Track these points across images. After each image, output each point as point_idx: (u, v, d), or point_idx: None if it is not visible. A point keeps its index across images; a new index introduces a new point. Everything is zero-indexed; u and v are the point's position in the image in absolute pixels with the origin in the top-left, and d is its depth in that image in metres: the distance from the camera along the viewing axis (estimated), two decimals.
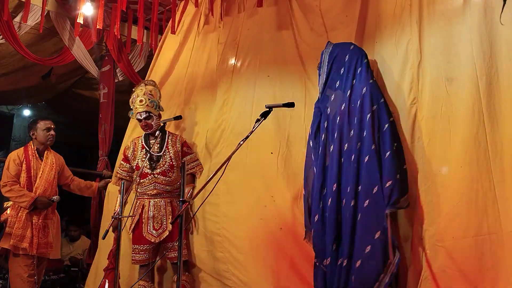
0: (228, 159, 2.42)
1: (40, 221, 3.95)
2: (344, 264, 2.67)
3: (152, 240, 3.59)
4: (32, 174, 4.00)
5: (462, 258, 2.40)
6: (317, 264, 2.87)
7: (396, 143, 2.72)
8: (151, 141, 3.79)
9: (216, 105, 3.97)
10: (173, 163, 3.73)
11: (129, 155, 3.87)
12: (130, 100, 3.84)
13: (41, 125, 4.11)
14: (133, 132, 4.70)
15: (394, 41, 2.96)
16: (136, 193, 3.80)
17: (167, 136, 3.82)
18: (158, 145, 3.75)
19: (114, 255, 3.61)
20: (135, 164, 3.81)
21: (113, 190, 4.62)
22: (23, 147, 4.13)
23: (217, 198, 3.60)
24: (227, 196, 3.59)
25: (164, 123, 3.68)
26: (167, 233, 3.60)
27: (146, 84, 3.88)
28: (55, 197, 4.05)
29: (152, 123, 3.73)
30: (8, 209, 3.94)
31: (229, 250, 3.50)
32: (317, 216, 2.87)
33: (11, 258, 3.91)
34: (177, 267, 3.53)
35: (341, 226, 2.75)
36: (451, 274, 2.43)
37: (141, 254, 3.62)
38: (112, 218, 3.61)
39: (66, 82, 6.57)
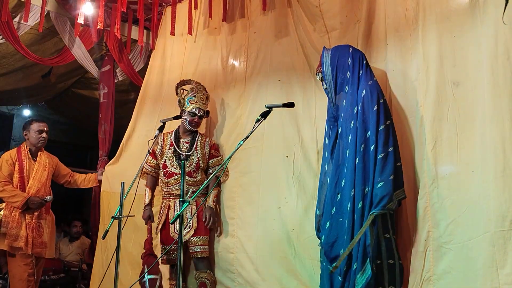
0: (228, 159, 2.50)
1: (33, 220, 3.96)
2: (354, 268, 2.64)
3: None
4: (25, 174, 4.01)
5: (466, 259, 2.42)
6: (324, 264, 2.86)
7: (392, 145, 2.69)
8: (181, 140, 3.75)
9: (230, 110, 3.98)
10: (200, 165, 3.69)
11: (157, 151, 3.82)
12: (180, 91, 3.79)
13: (34, 126, 4.11)
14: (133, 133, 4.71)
15: (406, 44, 2.95)
16: (162, 193, 3.79)
17: (197, 136, 3.77)
18: (188, 144, 3.72)
19: (150, 243, 3.72)
20: (162, 162, 3.77)
21: (106, 197, 4.60)
22: (16, 148, 4.14)
23: (232, 201, 3.71)
24: (242, 198, 3.66)
25: (164, 123, 3.66)
26: (192, 232, 3.55)
27: (201, 86, 3.87)
28: (48, 197, 4.06)
29: (201, 123, 3.79)
30: (2, 210, 3.94)
31: (240, 251, 3.57)
32: (328, 223, 2.82)
33: (8, 259, 3.91)
34: (197, 262, 3.58)
35: (353, 230, 2.69)
36: (455, 275, 2.45)
37: (169, 254, 3.59)
38: (144, 209, 3.74)
39: (66, 82, 6.55)
